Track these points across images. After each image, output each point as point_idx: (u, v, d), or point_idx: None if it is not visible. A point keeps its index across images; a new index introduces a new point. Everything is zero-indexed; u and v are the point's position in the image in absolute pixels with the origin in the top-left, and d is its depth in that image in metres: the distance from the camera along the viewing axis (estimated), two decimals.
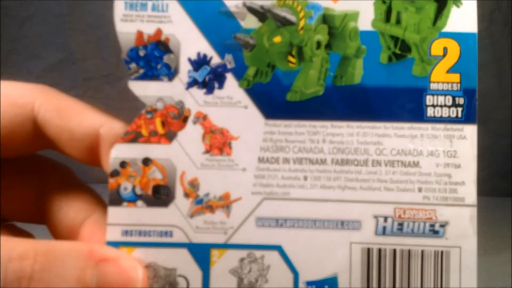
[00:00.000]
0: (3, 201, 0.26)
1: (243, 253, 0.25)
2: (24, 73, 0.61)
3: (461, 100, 0.25)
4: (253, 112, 0.25)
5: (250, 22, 0.25)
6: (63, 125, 0.24)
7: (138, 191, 0.25)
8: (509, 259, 0.50)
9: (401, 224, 0.25)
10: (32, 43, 0.61)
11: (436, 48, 0.25)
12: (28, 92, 0.25)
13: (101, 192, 0.27)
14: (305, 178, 0.25)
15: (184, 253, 0.25)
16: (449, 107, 0.25)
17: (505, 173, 0.63)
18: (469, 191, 0.25)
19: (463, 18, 0.25)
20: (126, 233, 0.25)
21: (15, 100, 0.24)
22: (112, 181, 0.25)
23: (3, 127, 0.24)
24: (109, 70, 0.62)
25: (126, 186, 0.25)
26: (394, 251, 0.25)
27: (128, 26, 0.25)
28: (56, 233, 0.26)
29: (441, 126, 0.25)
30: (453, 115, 0.25)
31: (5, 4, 0.59)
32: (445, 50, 0.25)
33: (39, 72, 0.62)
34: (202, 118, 0.25)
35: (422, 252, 0.25)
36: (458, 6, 0.25)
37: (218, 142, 0.25)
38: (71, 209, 0.26)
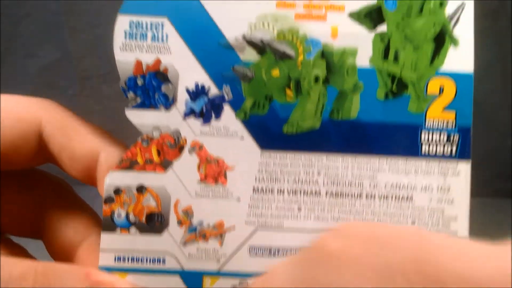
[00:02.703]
0: (1, 214, 0.26)
1: (235, 281, 0.25)
2: (21, 72, 0.61)
3: (456, 137, 0.25)
4: (249, 143, 0.25)
5: (249, 55, 0.25)
6: (65, 143, 0.25)
7: (132, 218, 0.25)
8: None
9: None
10: (29, 42, 0.61)
11: (433, 86, 0.25)
12: (34, 108, 0.25)
13: (98, 194, 0.27)
14: (299, 209, 0.25)
15: (177, 280, 0.25)
16: (444, 144, 0.25)
17: (508, 175, 0.63)
18: (462, 225, 0.25)
19: (460, 58, 0.25)
20: (118, 259, 0.25)
21: (22, 116, 0.25)
22: (106, 207, 0.25)
23: (9, 142, 0.24)
24: (106, 69, 0.62)
25: (119, 213, 0.25)
26: None
27: (127, 55, 0.25)
28: (53, 251, 0.26)
29: (435, 162, 0.25)
30: (448, 152, 0.25)
31: (1, 3, 0.59)
32: (441, 88, 0.25)
33: (36, 71, 0.61)
34: (198, 148, 0.25)
35: None
36: (455, 46, 0.25)
37: (214, 172, 0.25)
38: (69, 230, 0.26)
